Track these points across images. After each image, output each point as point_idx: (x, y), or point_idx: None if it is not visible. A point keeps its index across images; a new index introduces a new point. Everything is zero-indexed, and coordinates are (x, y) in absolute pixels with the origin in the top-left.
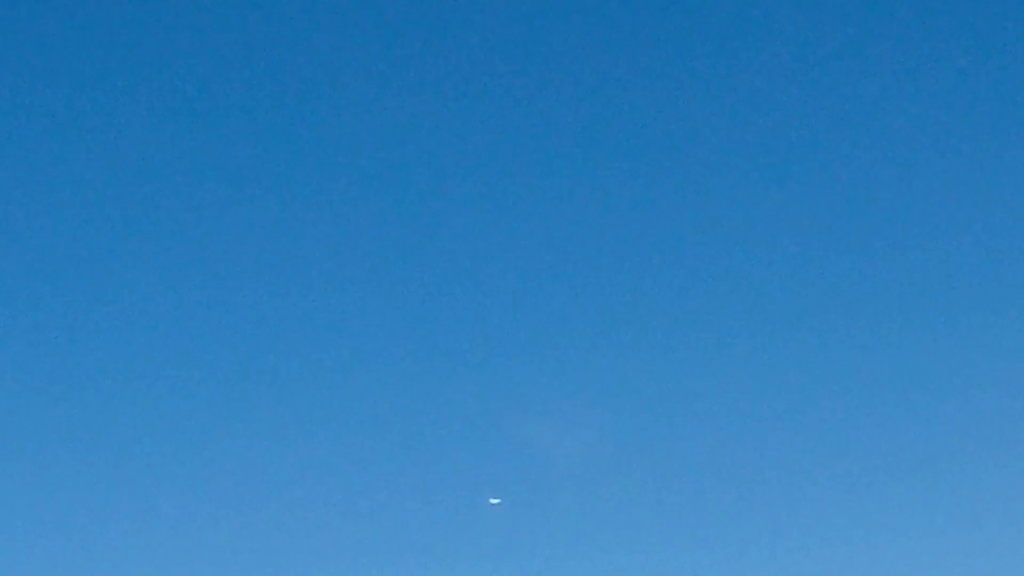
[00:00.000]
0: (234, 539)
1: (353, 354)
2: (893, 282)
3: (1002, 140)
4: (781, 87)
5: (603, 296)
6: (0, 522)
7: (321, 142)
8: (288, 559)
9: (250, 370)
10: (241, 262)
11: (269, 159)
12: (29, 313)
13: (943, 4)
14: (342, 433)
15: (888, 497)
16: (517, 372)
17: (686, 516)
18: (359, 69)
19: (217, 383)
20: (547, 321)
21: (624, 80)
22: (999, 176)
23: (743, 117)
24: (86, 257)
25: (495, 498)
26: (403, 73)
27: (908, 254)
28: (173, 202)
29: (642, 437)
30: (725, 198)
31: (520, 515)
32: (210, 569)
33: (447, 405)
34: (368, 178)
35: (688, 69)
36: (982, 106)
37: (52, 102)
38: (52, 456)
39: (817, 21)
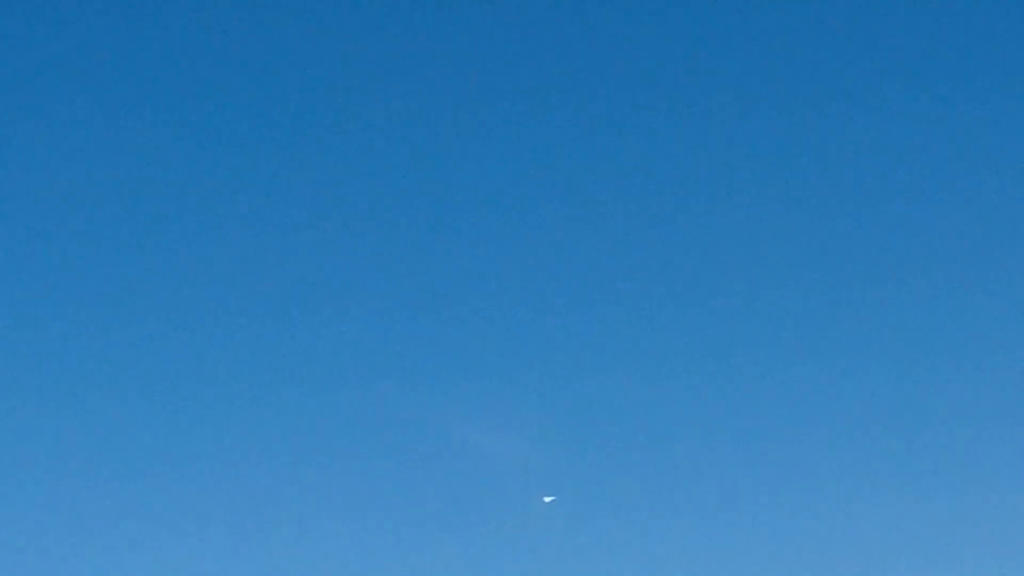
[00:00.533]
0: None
1: (290, 358)
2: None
3: (1002, 140)
4: (781, 89)
5: (539, 302)
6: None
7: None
8: (223, 554)
9: (169, 371)
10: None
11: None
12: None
13: (943, 4)
14: (280, 433)
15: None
16: (453, 376)
17: (620, 516)
18: (359, 69)
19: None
20: (482, 327)
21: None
22: (999, 176)
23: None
24: (86, 256)
25: (548, 496)
26: (403, 72)
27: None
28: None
29: (575, 439)
30: (658, 199)
31: (455, 516)
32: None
33: (384, 408)
34: (315, 183)
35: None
36: (982, 106)
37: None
38: (53, 456)
39: (817, 23)
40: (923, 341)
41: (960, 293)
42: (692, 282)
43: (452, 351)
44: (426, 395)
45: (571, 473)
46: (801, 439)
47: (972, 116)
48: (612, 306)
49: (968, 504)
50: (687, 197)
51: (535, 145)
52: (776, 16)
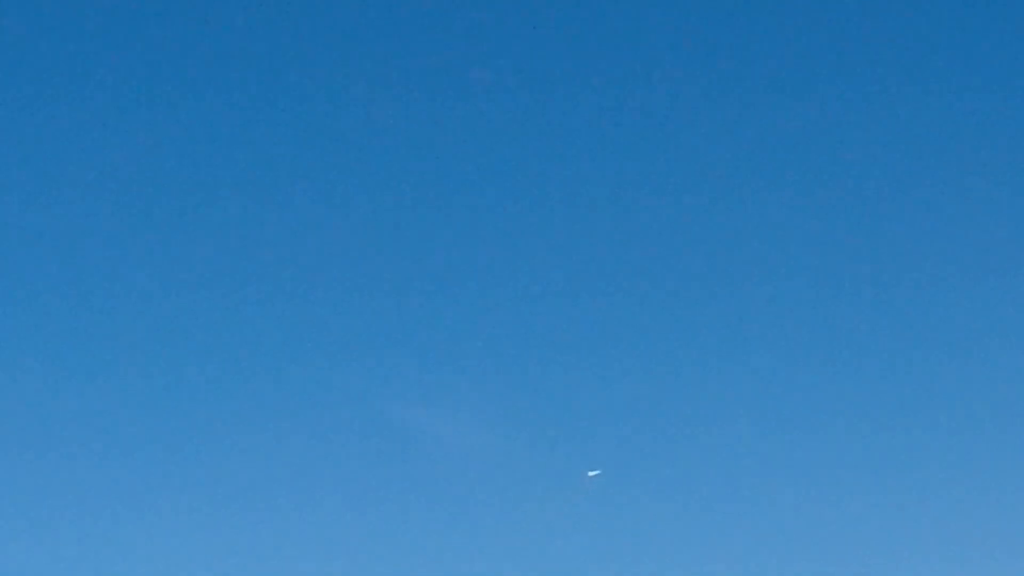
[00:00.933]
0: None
1: (235, 342)
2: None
3: (1002, 141)
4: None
5: (482, 286)
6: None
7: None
8: (162, 542)
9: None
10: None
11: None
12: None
13: (943, 5)
14: (222, 419)
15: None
16: (397, 360)
17: (566, 499)
18: (358, 69)
19: None
20: (428, 310)
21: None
22: (999, 176)
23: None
24: (86, 257)
25: (593, 471)
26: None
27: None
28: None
29: (522, 424)
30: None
31: (401, 500)
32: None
33: (328, 392)
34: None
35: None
36: (982, 106)
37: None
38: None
39: (817, 25)
40: (923, 340)
41: (960, 291)
42: (651, 271)
43: (404, 337)
44: (376, 379)
45: (525, 459)
46: (766, 423)
47: (972, 115)
48: (568, 295)
49: (968, 503)
50: (632, 188)
51: (505, 137)
52: (777, 16)
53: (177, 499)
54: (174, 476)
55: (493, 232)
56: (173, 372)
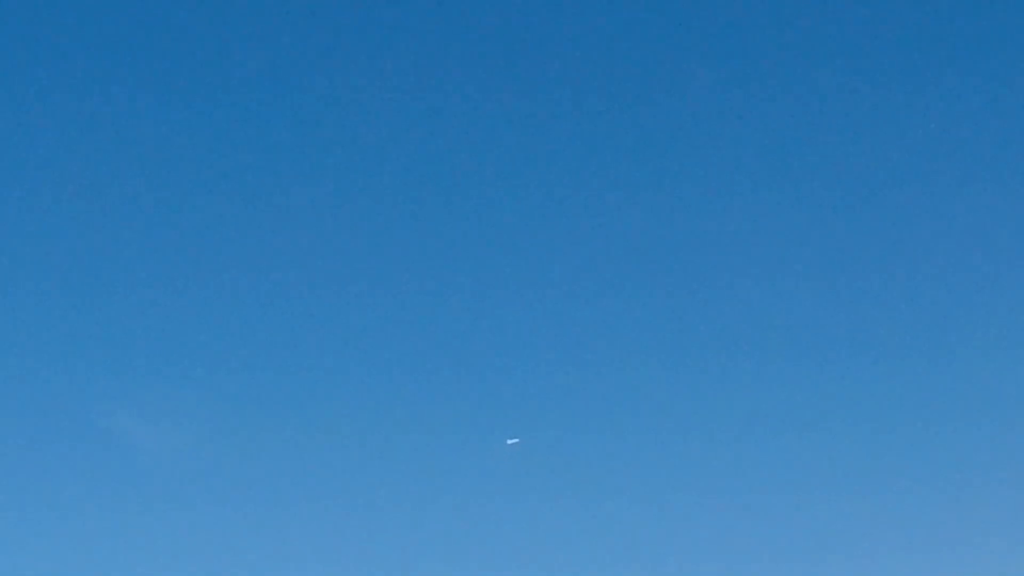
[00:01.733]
0: None
1: None
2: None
3: (1003, 141)
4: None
5: (195, 291)
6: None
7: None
8: None
9: None
10: None
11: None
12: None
13: (944, 5)
14: None
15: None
16: (107, 365)
17: (279, 502)
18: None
19: None
20: (136, 315)
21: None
22: (999, 177)
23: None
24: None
25: (512, 439)
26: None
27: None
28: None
29: (232, 430)
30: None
31: (108, 505)
32: None
33: (37, 396)
34: None
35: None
36: (982, 106)
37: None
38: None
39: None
40: (922, 339)
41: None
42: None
43: (113, 343)
44: (84, 386)
45: (233, 466)
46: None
47: (972, 114)
48: (276, 300)
49: (967, 503)
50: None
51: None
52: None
53: None
54: None
55: (206, 236)
56: None
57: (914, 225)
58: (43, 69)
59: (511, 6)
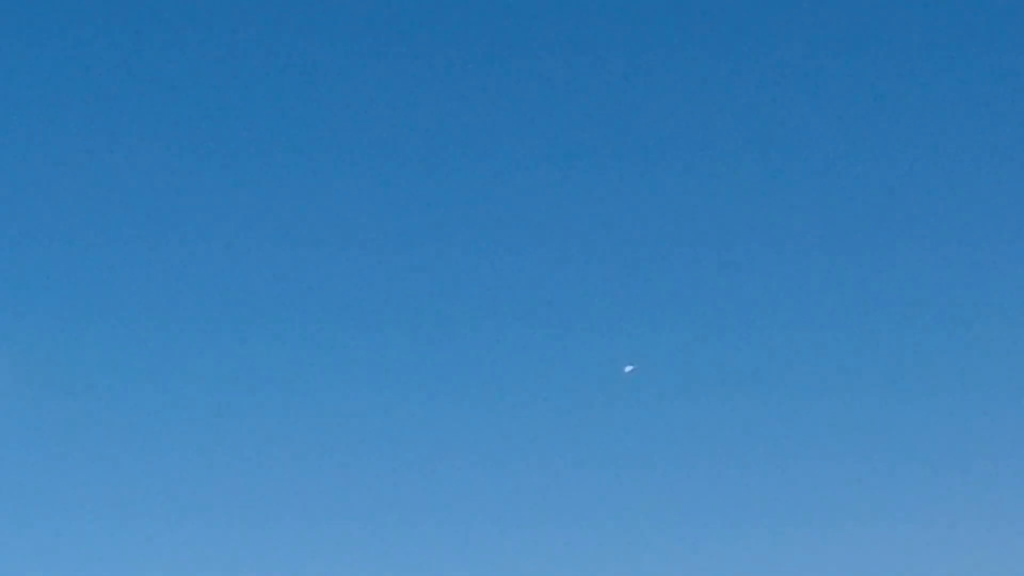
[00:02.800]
0: None
1: None
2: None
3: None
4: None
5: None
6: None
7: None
8: None
9: None
10: None
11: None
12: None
13: (943, 5)
14: None
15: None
16: None
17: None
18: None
19: None
20: None
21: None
22: (999, 177)
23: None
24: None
25: (630, 366)
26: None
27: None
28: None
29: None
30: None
31: None
32: None
33: None
34: None
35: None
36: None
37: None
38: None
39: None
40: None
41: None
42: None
43: None
44: None
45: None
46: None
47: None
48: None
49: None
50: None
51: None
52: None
53: None
54: None
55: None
56: None
57: (913, 219)
58: (44, 69)
59: (511, 6)
